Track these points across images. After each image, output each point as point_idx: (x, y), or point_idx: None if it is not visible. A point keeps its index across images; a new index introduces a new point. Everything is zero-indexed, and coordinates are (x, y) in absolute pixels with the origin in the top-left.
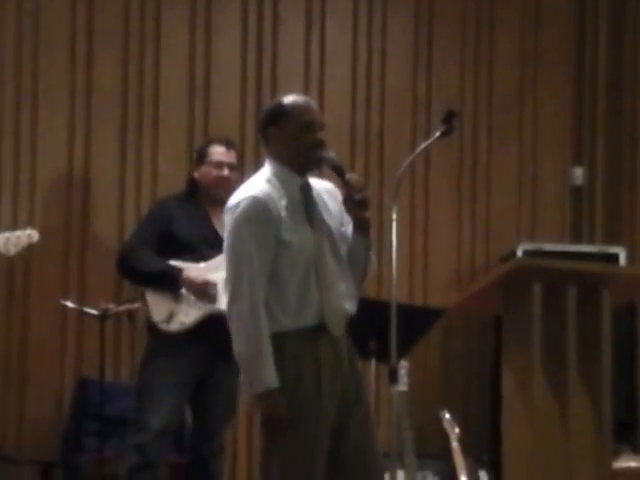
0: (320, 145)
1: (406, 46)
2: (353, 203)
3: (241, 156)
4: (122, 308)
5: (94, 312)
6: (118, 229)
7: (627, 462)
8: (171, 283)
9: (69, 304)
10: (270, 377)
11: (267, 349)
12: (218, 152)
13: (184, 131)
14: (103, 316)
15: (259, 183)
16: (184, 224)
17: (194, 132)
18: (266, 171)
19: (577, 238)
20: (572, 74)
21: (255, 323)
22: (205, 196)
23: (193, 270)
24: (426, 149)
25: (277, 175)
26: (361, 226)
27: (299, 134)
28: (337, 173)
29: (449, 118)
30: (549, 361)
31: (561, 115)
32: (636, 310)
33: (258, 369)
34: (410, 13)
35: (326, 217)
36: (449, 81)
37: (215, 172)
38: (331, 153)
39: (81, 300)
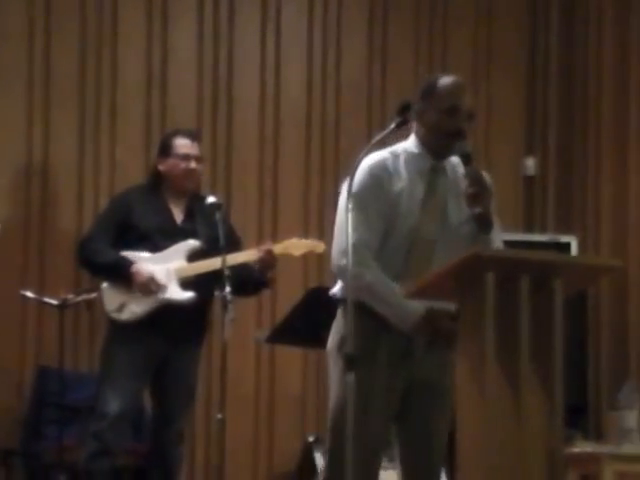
0: (458, 134)
1: (361, 36)
2: (466, 197)
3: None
4: (81, 298)
5: (53, 302)
6: (77, 219)
7: (578, 448)
8: (121, 275)
9: (28, 294)
10: (411, 309)
11: (391, 290)
12: (184, 144)
13: (142, 121)
14: (62, 306)
15: (381, 152)
16: (143, 215)
17: (151, 121)
18: (404, 144)
19: (530, 228)
20: (524, 65)
21: (369, 273)
22: (170, 188)
23: (146, 261)
24: (381, 140)
25: (409, 152)
26: (475, 220)
27: (438, 117)
28: (463, 161)
29: (404, 110)
30: (502, 349)
31: (513, 106)
32: (587, 298)
33: (396, 310)
34: (365, 4)
35: (452, 205)
36: (404, 71)
37: (183, 165)
38: (464, 141)
39: (40, 290)
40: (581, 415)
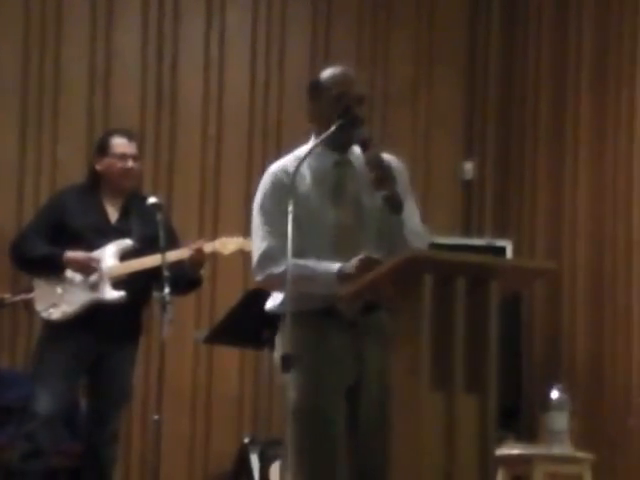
0: (351, 122)
1: (304, 37)
2: (370, 181)
3: (141, 144)
4: (18, 298)
5: None
6: (17, 219)
7: (510, 449)
8: (55, 265)
9: None
10: (328, 269)
11: (303, 264)
12: (120, 144)
13: (85, 120)
14: (0, 305)
15: (286, 157)
16: (78, 214)
17: (94, 121)
18: (306, 146)
19: (467, 231)
20: (464, 70)
21: (276, 268)
22: (107, 187)
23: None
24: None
25: (311, 152)
26: (385, 204)
27: (329, 108)
28: (361, 148)
29: (346, 112)
30: (437, 350)
31: (453, 111)
32: (521, 301)
33: (315, 278)
34: (309, 4)
35: (365, 194)
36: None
37: (119, 164)
38: (361, 128)
39: None
40: (514, 416)
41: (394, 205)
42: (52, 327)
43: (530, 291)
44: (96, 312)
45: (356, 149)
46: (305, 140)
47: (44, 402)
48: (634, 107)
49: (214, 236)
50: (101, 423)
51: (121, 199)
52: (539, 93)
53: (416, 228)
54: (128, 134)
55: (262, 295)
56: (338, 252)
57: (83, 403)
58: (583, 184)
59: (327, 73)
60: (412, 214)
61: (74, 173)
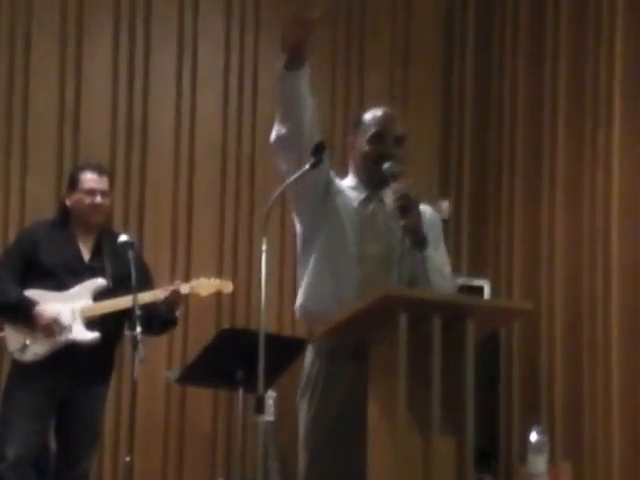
0: (384, 157)
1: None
2: (392, 211)
3: (111, 179)
4: None
5: None
6: None
7: None
8: (25, 316)
9: None
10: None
11: None
12: (90, 179)
13: (54, 153)
14: None
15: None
16: (49, 251)
17: (64, 154)
18: (344, 180)
19: None
20: (439, 109)
21: None
22: (77, 223)
23: (51, 299)
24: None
25: (346, 186)
26: (407, 236)
27: (366, 145)
28: (390, 180)
29: (319, 150)
30: (413, 390)
31: (429, 150)
32: (499, 341)
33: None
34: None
35: (392, 230)
36: (320, 108)
37: (88, 199)
38: (391, 162)
39: None
40: (491, 459)
41: (417, 238)
42: (22, 368)
43: (508, 330)
44: (68, 352)
45: (388, 194)
46: (278, 178)
47: (13, 444)
48: (610, 145)
49: (187, 273)
50: (71, 464)
51: (93, 236)
52: (515, 131)
53: (442, 270)
54: (99, 169)
55: (235, 335)
56: (362, 282)
57: (53, 444)
58: (560, 223)
59: (370, 112)
60: (441, 258)
61: (43, 206)
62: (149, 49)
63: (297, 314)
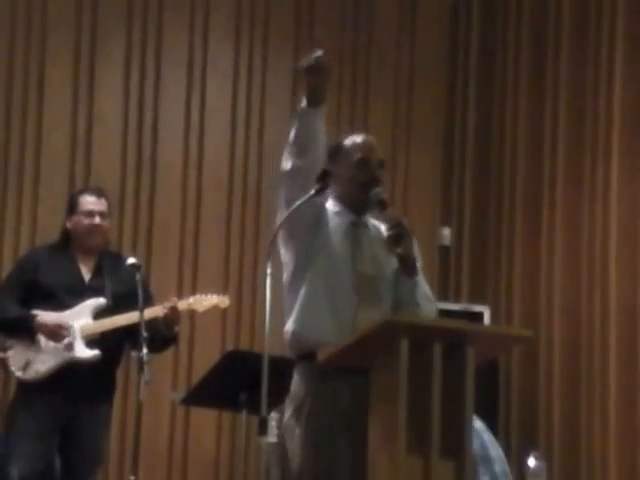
0: (372, 182)
1: (284, 104)
2: (387, 239)
3: (121, 207)
4: None
5: None
6: None
7: None
8: (26, 329)
9: None
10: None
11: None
12: (88, 201)
13: (65, 183)
14: None
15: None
16: (50, 273)
17: (75, 184)
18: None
19: (444, 296)
20: (442, 139)
21: None
22: (78, 245)
23: (52, 317)
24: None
25: (329, 210)
26: (400, 263)
27: (349, 171)
28: (379, 208)
29: (323, 177)
30: (414, 416)
31: (431, 177)
32: (498, 367)
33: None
34: (288, 74)
35: (381, 255)
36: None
37: (87, 221)
38: (378, 189)
39: None
40: None
41: (409, 266)
42: (25, 388)
43: (507, 357)
44: (69, 371)
45: (371, 219)
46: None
47: (16, 465)
48: (609, 178)
49: None
50: None
51: (94, 257)
52: (516, 161)
53: (428, 294)
54: (97, 191)
55: (240, 357)
56: (360, 297)
57: (58, 463)
58: (559, 252)
59: (350, 138)
60: (424, 282)
61: (53, 236)
62: (159, 82)
63: (287, 339)
